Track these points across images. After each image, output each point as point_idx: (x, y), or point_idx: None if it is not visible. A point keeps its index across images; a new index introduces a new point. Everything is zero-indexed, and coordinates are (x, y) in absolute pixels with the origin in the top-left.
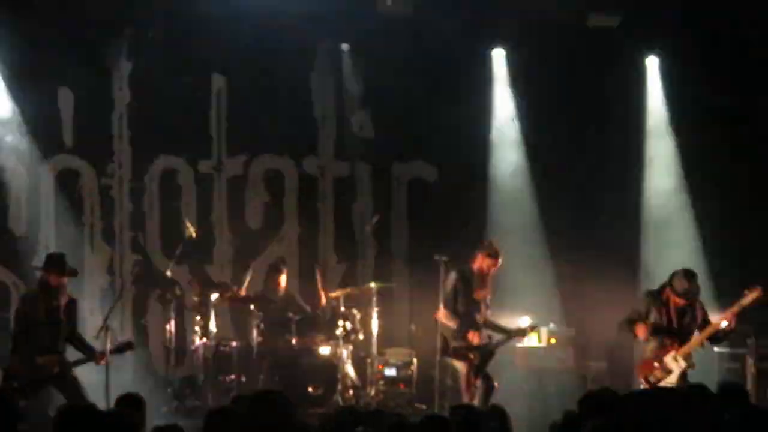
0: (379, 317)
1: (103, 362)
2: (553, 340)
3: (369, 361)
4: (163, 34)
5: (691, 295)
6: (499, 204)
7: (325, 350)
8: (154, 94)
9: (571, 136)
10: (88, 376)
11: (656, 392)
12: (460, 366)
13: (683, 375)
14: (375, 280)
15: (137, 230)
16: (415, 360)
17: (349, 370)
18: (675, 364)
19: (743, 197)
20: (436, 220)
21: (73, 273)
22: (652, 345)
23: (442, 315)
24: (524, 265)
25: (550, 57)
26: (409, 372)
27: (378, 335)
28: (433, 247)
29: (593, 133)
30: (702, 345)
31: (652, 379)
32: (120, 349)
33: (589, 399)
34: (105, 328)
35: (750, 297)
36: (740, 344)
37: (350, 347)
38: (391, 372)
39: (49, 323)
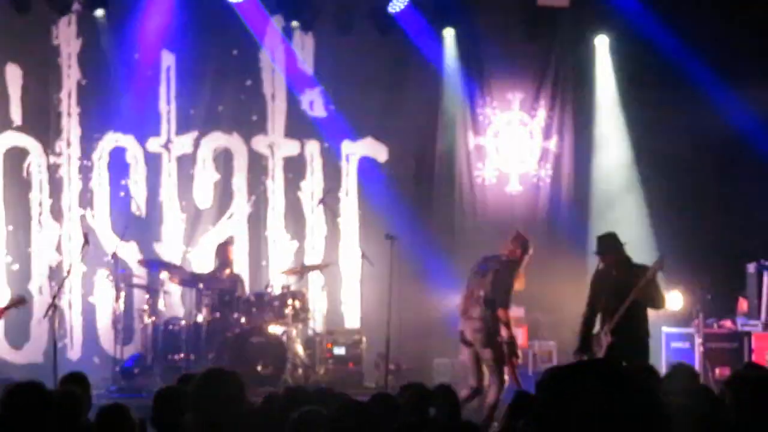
0: (329, 296)
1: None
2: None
3: (318, 340)
4: (112, 11)
5: (599, 254)
6: (449, 183)
7: (274, 329)
8: (103, 72)
9: (523, 115)
10: (36, 356)
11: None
12: (487, 355)
13: (608, 348)
14: (325, 258)
15: (86, 208)
16: (364, 339)
17: (299, 349)
18: (605, 338)
19: (690, 174)
20: (386, 198)
21: None
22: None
23: (504, 317)
24: (472, 245)
25: (500, 36)
26: (359, 351)
27: (327, 314)
28: (383, 226)
29: (543, 111)
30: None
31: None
32: (11, 305)
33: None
34: (53, 306)
35: (653, 269)
36: (688, 324)
37: (299, 326)
38: (340, 351)
39: None
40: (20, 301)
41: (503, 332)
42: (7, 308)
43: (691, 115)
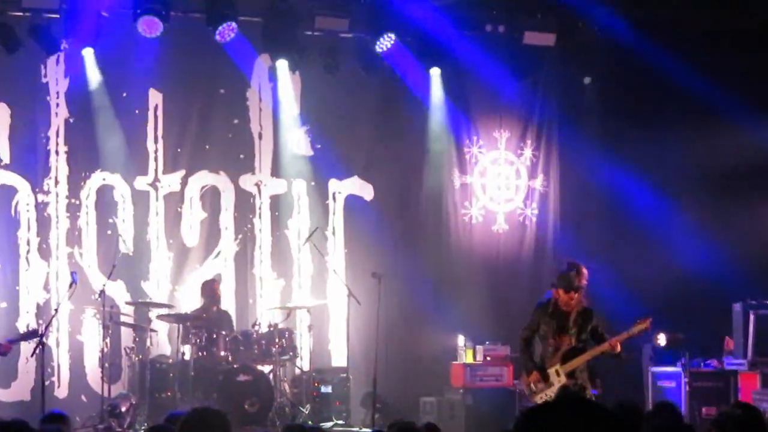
0: (316, 334)
1: (7, 351)
2: (489, 358)
3: (305, 378)
4: (100, 50)
5: (574, 287)
6: (436, 222)
7: (261, 367)
8: (91, 110)
9: (509, 154)
10: (23, 394)
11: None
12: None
13: (563, 388)
14: (311, 296)
15: (74, 246)
16: (351, 377)
17: (286, 387)
18: (556, 378)
19: (678, 212)
20: (373, 237)
21: None
22: (541, 353)
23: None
24: (459, 283)
25: (486, 75)
26: (345, 389)
27: (314, 352)
28: (370, 264)
29: (529, 150)
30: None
31: (533, 388)
32: (25, 337)
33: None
34: (41, 344)
35: (638, 327)
36: (674, 363)
37: (286, 364)
38: (327, 389)
39: None
40: (33, 334)
41: None
42: (18, 340)
43: (678, 153)
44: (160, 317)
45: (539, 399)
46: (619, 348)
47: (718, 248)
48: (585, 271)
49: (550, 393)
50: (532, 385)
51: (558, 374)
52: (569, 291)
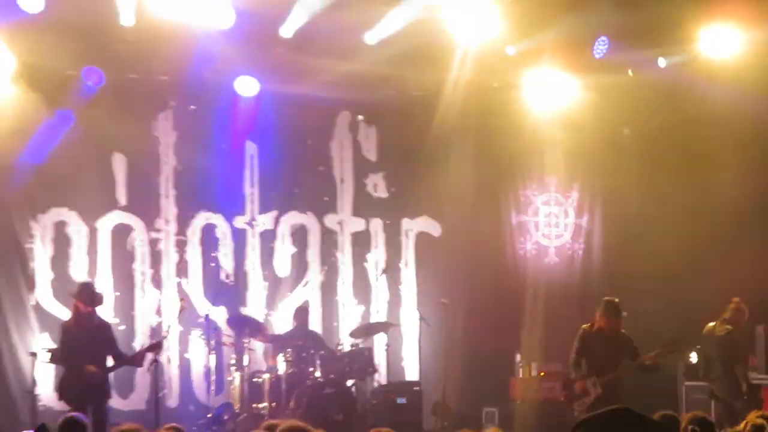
0: (391, 353)
1: (145, 363)
2: (542, 374)
3: (383, 391)
4: (203, 107)
5: (619, 314)
6: (495, 255)
7: (345, 381)
8: (196, 159)
9: (558, 196)
10: (139, 404)
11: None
12: (737, 407)
13: (598, 399)
14: (388, 320)
15: (182, 277)
16: (422, 390)
17: (366, 398)
18: (593, 388)
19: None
20: (440, 269)
21: (99, 302)
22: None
23: (741, 372)
24: (516, 309)
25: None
26: (418, 400)
27: (390, 368)
28: (438, 293)
29: (576, 192)
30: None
31: (576, 393)
32: (152, 348)
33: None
34: (155, 362)
35: (665, 350)
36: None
37: (366, 379)
38: (402, 400)
39: (88, 343)
40: (158, 346)
41: (743, 386)
42: (146, 351)
43: (724, 184)
44: (257, 337)
45: (577, 405)
46: (655, 362)
47: (745, 274)
48: (743, 307)
49: (588, 400)
50: (576, 388)
51: (594, 385)
52: (610, 321)
